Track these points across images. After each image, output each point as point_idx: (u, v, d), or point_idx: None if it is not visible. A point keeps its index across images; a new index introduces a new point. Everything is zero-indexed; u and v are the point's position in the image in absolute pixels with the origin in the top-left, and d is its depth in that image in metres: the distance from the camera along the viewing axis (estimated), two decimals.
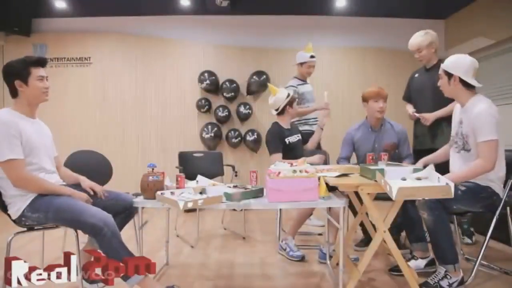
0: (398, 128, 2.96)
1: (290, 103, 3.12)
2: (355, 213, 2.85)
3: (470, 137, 2.21)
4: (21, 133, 1.94)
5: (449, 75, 2.27)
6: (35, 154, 2.00)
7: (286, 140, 3.09)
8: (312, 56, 3.81)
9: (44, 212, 1.93)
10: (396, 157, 2.98)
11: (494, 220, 2.24)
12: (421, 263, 2.49)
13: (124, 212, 2.19)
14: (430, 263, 2.49)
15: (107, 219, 1.89)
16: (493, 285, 2.31)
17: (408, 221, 2.57)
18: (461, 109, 2.33)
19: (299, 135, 3.24)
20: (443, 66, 2.31)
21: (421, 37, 3.00)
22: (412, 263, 2.48)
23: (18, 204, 1.95)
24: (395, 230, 2.59)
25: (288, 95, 3.12)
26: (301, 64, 3.83)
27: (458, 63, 2.26)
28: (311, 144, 3.31)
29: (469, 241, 3.13)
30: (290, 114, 3.16)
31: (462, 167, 2.25)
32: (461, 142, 2.29)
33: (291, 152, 3.03)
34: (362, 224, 2.79)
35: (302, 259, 2.78)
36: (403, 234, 3.14)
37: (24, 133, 1.95)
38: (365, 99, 2.96)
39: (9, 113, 1.99)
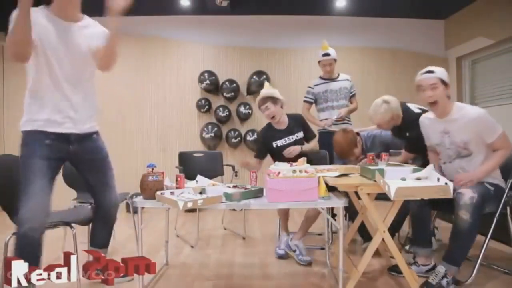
0: (382, 137, 3.04)
1: (260, 109, 3.00)
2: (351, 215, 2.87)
3: (471, 142, 2.22)
4: (35, 23, 1.77)
5: (445, 84, 2.27)
6: (45, 55, 1.85)
7: (274, 144, 2.99)
8: (324, 54, 3.69)
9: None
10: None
11: (495, 220, 2.24)
12: (423, 269, 2.41)
13: (101, 219, 2.12)
14: (431, 269, 2.40)
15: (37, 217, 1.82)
16: (493, 285, 2.31)
17: (419, 223, 2.44)
18: (440, 120, 2.32)
19: (297, 134, 3.03)
20: (440, 75, 2.29)
21: (380, 114, 2.73)
22: (414, 268, 2.38)
23: None
24: (390, 230, 2.58)
25: (257, 101, 3.01)
26: (319, 62, 3.77)
27: (446, 74, 2.30)
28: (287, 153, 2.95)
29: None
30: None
31: (468, 170, 2.25)
32: (454, 151, 2.30)
33: (280, 155, 2.92)
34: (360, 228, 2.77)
35: (309, 264, 2.74)
36: (401, 234, 3.16)
37: (38, 27, 1.81)
38: None
39: (40, 10, 1.88)
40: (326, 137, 3.65)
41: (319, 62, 3.76)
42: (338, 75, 3.83)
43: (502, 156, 2.20)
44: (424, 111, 2.84)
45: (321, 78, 3.82)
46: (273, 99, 2.93)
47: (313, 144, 3.14)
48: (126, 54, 5.30)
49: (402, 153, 2.91)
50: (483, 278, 2.37)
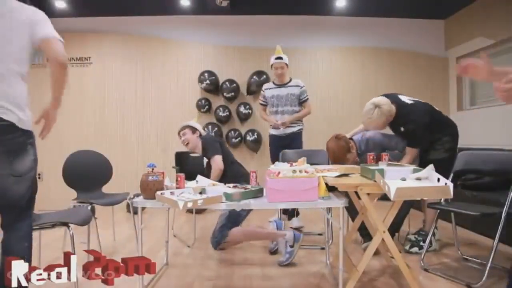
0: (375, 140, 3.04)
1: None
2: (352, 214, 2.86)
3: None
4: None
5: None
6: None
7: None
8: (277, 58, 3.85)
9: None
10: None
11: (503, 220, 2.24)
12: None
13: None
14: None
15: None
16: (500, 286, 2.30)
17: None
18: None
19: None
20: None
21: (374, 120, 2.78)
22: None
23: None
24: (390, 230, 2.57)
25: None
26: (271, 66, 3.94)
27: None
28: None
29: (417, 250, 2.92)
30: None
31: None
32: None
33: None
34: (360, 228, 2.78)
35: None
36: (401, 234, 3.16)
37: None
38: None
39: None
40: (274, 139, 3.95)
41: (271, 65, 3.92)
42: (290, 80, 3.95)
43: None
44: (417, 102, 2.88)
45: (273, 82, 4.00)
46: (191, 128, 3.20)
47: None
48: (126, 54, 5.31)
49: (408, 151, 2.89)
50: (489, 278, 2.35)
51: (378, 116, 2.75)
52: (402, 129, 2.87)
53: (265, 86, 4.04)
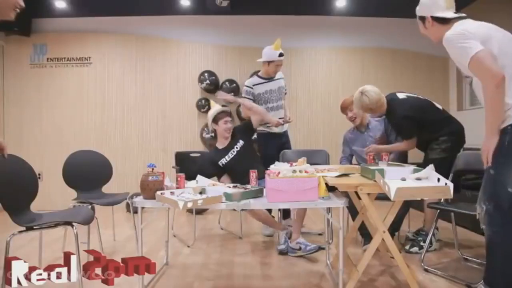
0: (384, 122, 3.19)
1: (214, 121, 3.10)
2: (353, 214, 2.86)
3: None
4: None
5: (422, 19, 2.18)
6: None
7: (220, 163, 3.07)
8: (281, 55, 3.44)
9: None
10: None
11: None
12: None
13: None
14: None
15: None
16: None
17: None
18: None
19: (237, 146, 3.11)
20: (417, 11, 2.21)
21: (354, 102, 3.02)
22: None
23: None
24: (390, 230, 2.57)
25: (215, 112, 3.09)
26: (268, 62, 3.46)
27: (424, 2, 2.14)
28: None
29: (417, 250, 2.92)
30: (219, 132, 3.12)
31: None
32: None
33: (231, 170, 3.04)
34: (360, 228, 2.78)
35: (318, 249, 2.85)
36: (401, 234, 3.16)
37: None
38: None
39: None
40: (272, 138, 3.54)
41: (269, 62, 3.45)
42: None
43: None
44: (410, 97, 2.98)
45: (260, 77, 3.55)
46: (231, 116, 3.16)
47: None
48: (126, 54, 5.31)
49: (404, 142, 3.02)
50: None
51: (356, 101, 2.95)
52: (394, 121, 3.01)
53: (251, 82, 3.55)
